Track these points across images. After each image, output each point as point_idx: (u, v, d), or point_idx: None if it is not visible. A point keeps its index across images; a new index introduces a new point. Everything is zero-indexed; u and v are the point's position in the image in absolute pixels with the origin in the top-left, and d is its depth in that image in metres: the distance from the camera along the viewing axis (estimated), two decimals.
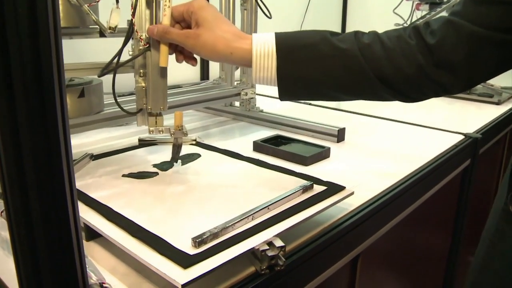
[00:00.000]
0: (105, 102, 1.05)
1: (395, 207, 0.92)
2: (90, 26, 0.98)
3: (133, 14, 0.78)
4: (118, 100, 1.11)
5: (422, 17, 1.98)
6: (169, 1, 0.75)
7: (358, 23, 2.59)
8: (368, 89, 0.71)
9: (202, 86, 1.32)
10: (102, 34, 1.01)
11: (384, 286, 1.08)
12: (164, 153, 0.94)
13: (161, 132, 0.83)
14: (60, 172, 0.35)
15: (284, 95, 0.73)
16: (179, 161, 0.90)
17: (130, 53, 0.82)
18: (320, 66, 0.70)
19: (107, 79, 1.03)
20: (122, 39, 1.12)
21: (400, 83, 0.70)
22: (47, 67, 0.34)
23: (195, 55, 0.78)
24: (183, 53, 0.77)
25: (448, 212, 1.34)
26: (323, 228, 0.73)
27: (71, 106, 0.95)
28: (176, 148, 0.86)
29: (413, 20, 2.03)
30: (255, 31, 1.26)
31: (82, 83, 0.95)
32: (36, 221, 0.34)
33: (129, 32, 0.79)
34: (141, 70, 0.82)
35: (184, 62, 0.79)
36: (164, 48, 0.76)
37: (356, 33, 0.72)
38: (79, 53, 1.32)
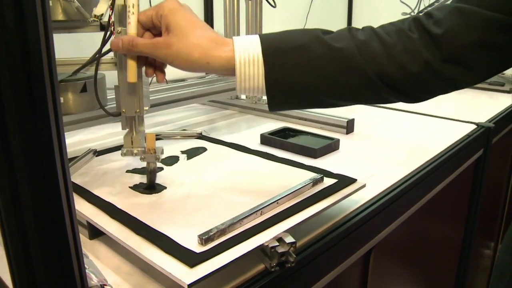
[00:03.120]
0: (108, 97, 1.03)
1: (408, 199, 0.89)
2: (91, 19, 0.96)
3: (112, 7, 0.68)
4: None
5: (430, 5, 1.95)
6: (134, 7, 0.63)
7: (365, 11, 2.56)
8: (368, 91, 0.63)
9: (207, 79, 1.30)
10: (102, 27, 0.99)
11: (397, 279, 1.06)
12: (169, 148, 0.92)
13: (134, 155, 0.73)
14: (53, 167, 0.32)
15: (274, 105, 0.64)
16: (185, 155, 0.87)
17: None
18: (314, 70, 0.61)
19: (110, 73, 1.01)
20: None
21: (404, 83, 0.62)
22: (36, 62, 0.31)
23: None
24: (155, 65, 0.66)
25: (461, 203, 1.31)
26: (335, 222, 0.70)
27: (73, 101, 0.93)
28: (149, 174, 0.74)
29: (420, 9, 1.99)
30: (260, 22, 1.24)
31: (84, 78, 0.93)
32: (28, 221, 0.32)
33: (108, 27, 0.70)
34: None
35: None
36: (131, 63, 0.64)
37: (350, 30, 0.64)
38: (83, 47, 1.30)
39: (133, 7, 0.63)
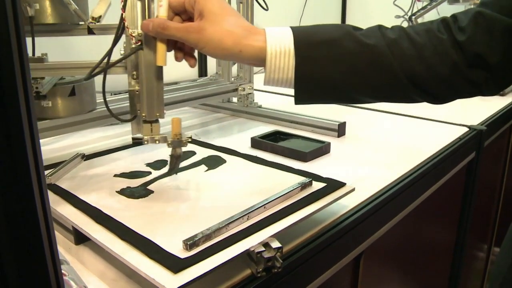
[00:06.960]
0: (97, 101, 1.03)
1: (398, 203, 0.89)
2: (80, 23, 0.95)
3: (124, 8, 0.67)
4: (114, 98, 1.09)
5: (422, 8, 1.95)
6: None
7: (358, 15, 2.56)
8: (395, 90, 0.64)
9: (199, 83, 1.29)
10: (90, 31, 0.98)
11: (389, 283, 1.05)
12: (157, 152, 0.91)
13: (157, 142, 0.72)
14: (28, 175, 0.32)
15: (301, 98, 0.64)
16: None
17: (122, 52, 0.72)
18: (345, 65, 0.61)
19: (101, 77, 1.00)
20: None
21: (432, 83, 0.63)
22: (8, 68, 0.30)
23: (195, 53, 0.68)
24: (184, 50, 0.66)
25: (453, 206, 1.31)
26: (323, 227, 0.70)
27: (61, 105, 0.92)
28: (175, 159, 0.74)
29: (413, 12, 1.99)
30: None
31: (73, 81, 0.93)
32: (1, 227, 0.32)
33: (120, 29, 0.68)
34: (134, 72, 0.71)
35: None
36: (161, 46, 0.65)
37: (380, 27, 0.64)
38: (70, 51, 1.29)
39: None
